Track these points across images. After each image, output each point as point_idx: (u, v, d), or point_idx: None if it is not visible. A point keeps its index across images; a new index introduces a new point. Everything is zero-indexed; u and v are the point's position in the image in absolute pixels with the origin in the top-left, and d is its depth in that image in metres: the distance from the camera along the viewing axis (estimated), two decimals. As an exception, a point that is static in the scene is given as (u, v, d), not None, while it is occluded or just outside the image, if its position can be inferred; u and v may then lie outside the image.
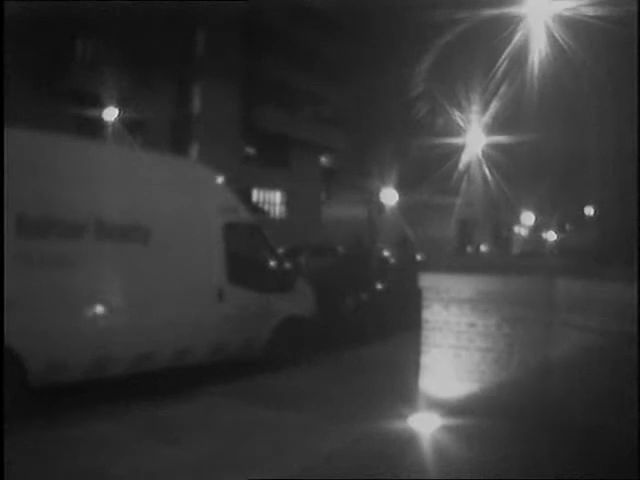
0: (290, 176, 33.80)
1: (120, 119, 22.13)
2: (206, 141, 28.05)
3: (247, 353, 8.31)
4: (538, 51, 11.15)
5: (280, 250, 10.47)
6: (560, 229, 43.59)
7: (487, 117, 21.75)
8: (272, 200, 34.10)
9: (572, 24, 9.48)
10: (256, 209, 29.96)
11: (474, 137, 24.59)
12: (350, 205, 36.59)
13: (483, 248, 35.66)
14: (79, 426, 5.76)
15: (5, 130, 5.69)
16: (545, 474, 4.48)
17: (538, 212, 44.15)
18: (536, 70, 11.51)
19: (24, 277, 5.84)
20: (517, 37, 11.46)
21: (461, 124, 23.90)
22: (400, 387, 6.57)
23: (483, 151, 25.35)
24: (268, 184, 33.24)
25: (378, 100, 33.64)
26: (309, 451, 5.15)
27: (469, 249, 35.10)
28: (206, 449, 5.22)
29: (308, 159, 35.63)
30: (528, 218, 46.20)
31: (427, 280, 6.40)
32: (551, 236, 42.27)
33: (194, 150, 28.25)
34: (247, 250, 8.84)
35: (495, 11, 11.39)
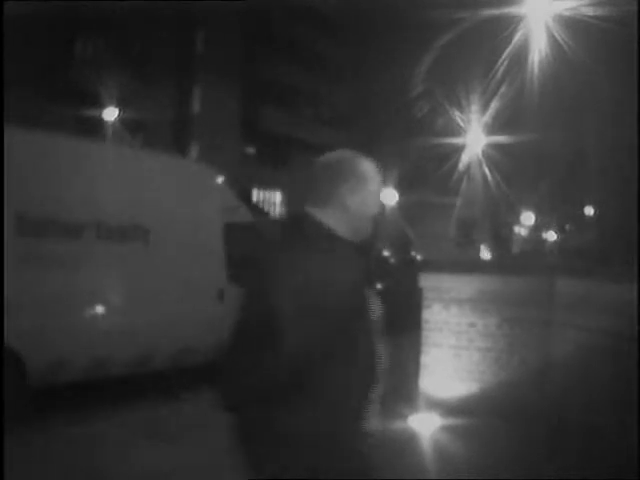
0: (290, 176, 33.80)
1: (120, 119, 22.14)
2: (206, 141, 28.04)
3: (247, 353, 8.28)
4: (538, 51, 11.15)
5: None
6: (560, 229, 43.63)
7: (487, 117, 21.76)
8: (272, 200, 34.10)
9: (572, 24, 9.46)
10: (256, 209, 29.95)
11: (474, 137, 24.62)
12: (350, 205, 36.49)
13: (483, 248, 35.62)
14: (79, 426, 5.75)
15: (5, 130, 5.68)
16: (545, 474, 4.48)
17: (538, 212, 44.18)
18: (536, 70, 11.51)
19: (24, 277, 5.83)
20: (517, 37, 11.46)
21: (461, 124, 23.91)
22: (400, 387, 6.56)
23: (483, 151, 25.37)
24: (268, 184, 33.24)
25: (378, 100, 33.66)
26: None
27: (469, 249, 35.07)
28: (206, 449, 5.21)
29: (308, 159, 35.59)
30: (528, 218, 46.21)
31: (427, 280, 6.41)
32: (551, 236, 42.30)
33: (194, 150, 28.24)
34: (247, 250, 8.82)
35: (495, 11, 11.37)
